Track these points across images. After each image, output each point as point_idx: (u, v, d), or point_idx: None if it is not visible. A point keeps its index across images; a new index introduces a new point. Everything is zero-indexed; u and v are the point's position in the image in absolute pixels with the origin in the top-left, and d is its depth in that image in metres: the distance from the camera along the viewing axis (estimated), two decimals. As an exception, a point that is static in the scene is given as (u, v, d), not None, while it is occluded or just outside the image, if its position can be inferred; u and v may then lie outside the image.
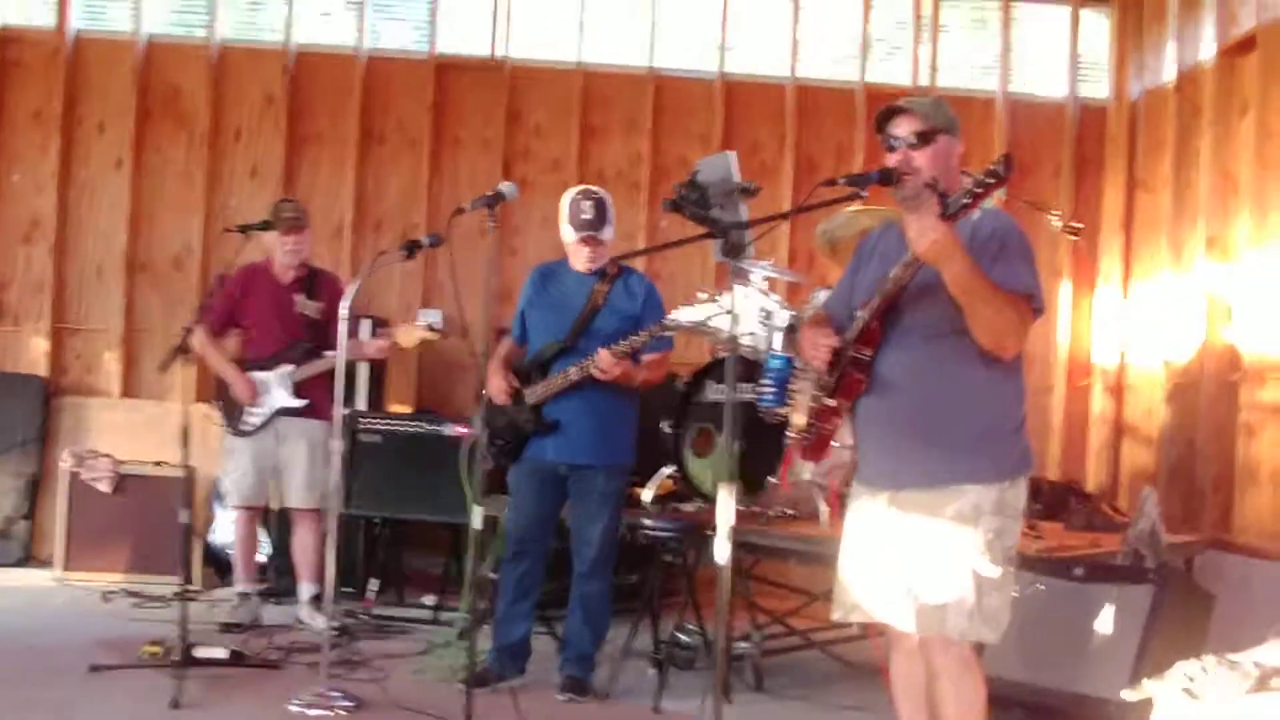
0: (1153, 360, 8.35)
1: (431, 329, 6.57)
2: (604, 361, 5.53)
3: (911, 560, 3.93)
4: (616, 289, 5.81)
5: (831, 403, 4.06)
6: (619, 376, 5.57)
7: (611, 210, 5.86)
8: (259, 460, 6.90)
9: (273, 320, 6.94)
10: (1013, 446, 3.96)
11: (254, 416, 6.86)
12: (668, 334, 5.82)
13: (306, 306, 6.90)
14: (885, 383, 3.96)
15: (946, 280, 3.66)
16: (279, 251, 6.92)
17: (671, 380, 6.81)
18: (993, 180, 3.51)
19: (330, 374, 6.67)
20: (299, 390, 6.84)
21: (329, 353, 6.64)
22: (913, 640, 4.06)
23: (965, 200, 3.55)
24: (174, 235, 9.21)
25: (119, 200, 9.14)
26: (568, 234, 5.87)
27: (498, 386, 5.81)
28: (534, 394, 5.80)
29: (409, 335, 6.58)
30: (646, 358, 5.77)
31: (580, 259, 5.88)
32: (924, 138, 3.91)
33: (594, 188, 5.97)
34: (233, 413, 6.90)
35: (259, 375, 6.86)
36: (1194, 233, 7.95)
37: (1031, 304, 3.81)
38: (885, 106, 4.05)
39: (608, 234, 5.82)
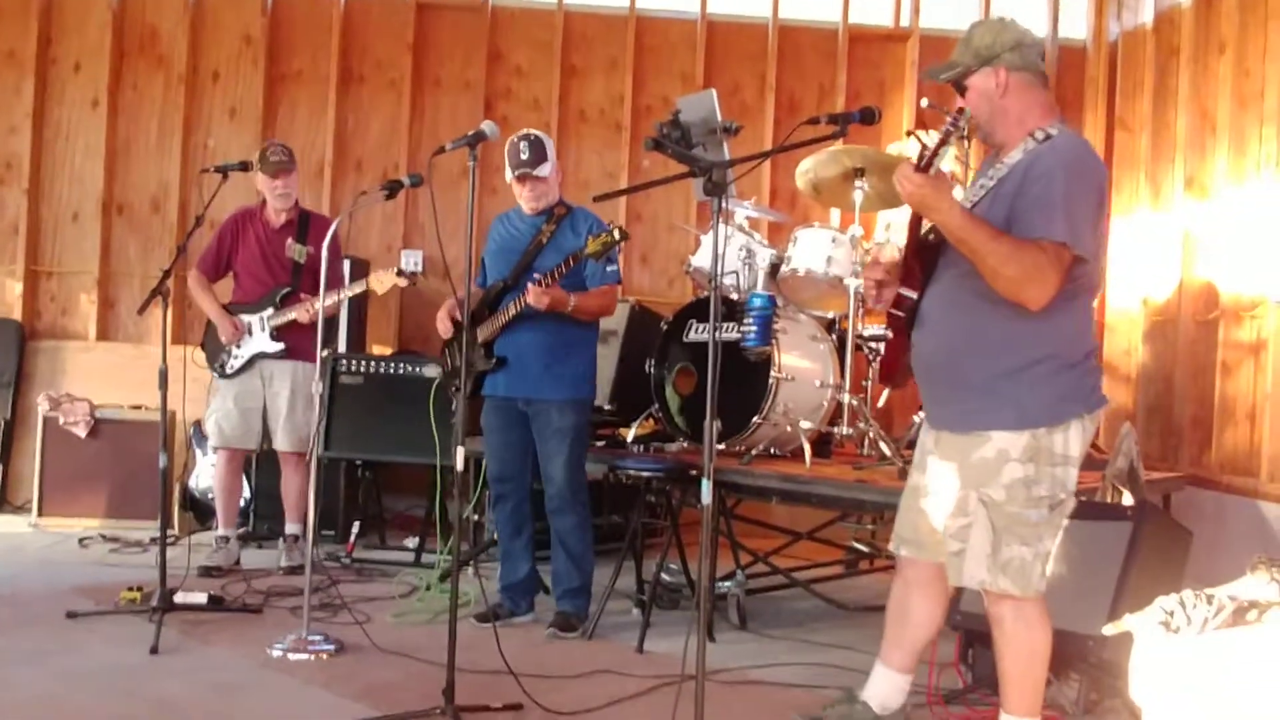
0: (1131, 299, 8.38)
1: (402, 274, 6.53)
2: (531, 293, 5.58)
3: (937, 504, 3.95)
4: (562, 228, 5.85)
5: (888, 334, 4.11)
6: (550, 305, 5.60)
7: (550, 149, 5.88)
8: (242, 401, 6.92)
9: (260, 265, 6.97)
10: (1046, 390, 3.81)
11: (235, 359, 6.88)
12: (614, 266, 5.85)
13: (295, 250, 6.88)
14: (924, 319, 3.97)
15: (941, 230, 3.68)
16: (269, 195, 6.93)
17: (654, 320, 6.81)
18: (949, 131, 3.55)
19: (315, 319, 6.71)
20: (278, 334, 6.84)
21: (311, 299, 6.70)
22: (914, 571, 4.15)
23: (928, 153, 3.60)
24: (151, 176, 9.16)
25: (95, 141, 9.09)
26: (508, 175, 5.90)
27: (441, 323, 5.98)
28: (482, 331, 5.87)
29: (381, 282, 6.54)
30: (591, 289, 5.82)
31: (523, 199, 5.93)
32: (959, 89, 3.96)
33: (531, 130, 5.95)
34: (216, 355, 6.93)
35: (243, 318, 6.89)
36: (1172, 172, 7.96)
37: (1065, 250, 3.67)
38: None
39: (544, 171, 5.82)
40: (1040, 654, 3.91)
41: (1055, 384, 3.81)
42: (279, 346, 6.86)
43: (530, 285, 5.61)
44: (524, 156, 5.79)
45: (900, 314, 4.01)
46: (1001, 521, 3.78)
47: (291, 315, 6.79)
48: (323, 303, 5.54)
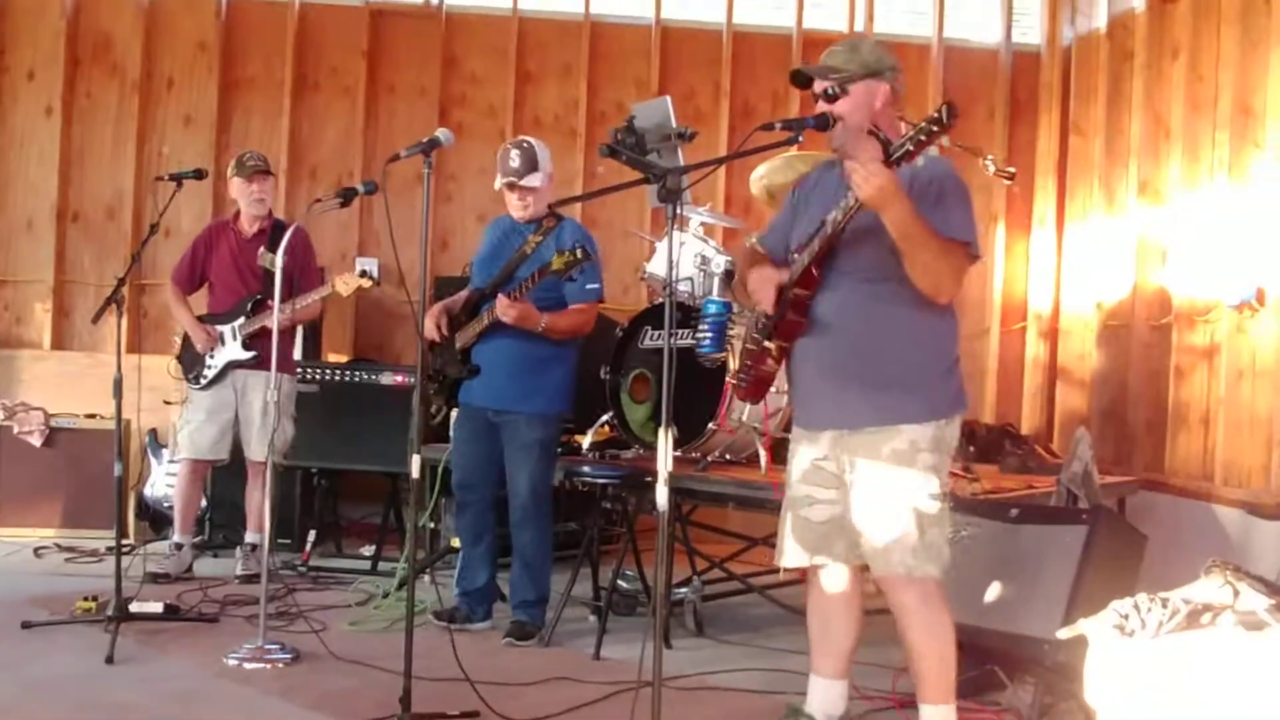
0: (1086, 304, 8.43)
1: (366, 275, 6.54)
2: (499, 305, 5.58)
3: (853, 502, 4.00)
4: (548, 240, 5.80)
5: (770, 345, 4.12)
6: (518, 319, 5.58)
7: (543, 158, 5.85)
8: (216, 413, 6.91)
9: (233, 275, 6.97)
10: (946, 386, 4.05)
11: (209, 369, 6.86)
12: (594, 285, 5.83)
13: (267, 259, 6.85)
14: (821, 324, 4.03)
15: (888, 225, 3.71)
16: (244, 201, 6.95)
17: (609, 326, 6.81)
18: (935, 128, 3.56)
19: (288, 327, 6.72)
20: (250, 342, 6.81)
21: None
22: (826, 578, 4.25)
23: (909, 147, 3.61)
24: (106, 184, 9.10)
25: (49, 149, 9.01)
26: (498, 182, 5.89)
27: (429, 326, 5.92)
28: (459, 338, 5.86)
29: (346, 284, 6.56)
30: (571, 305, 5.79)
31: (512, 208, 5.92)
32: (841, 89, 4.00)
33: (526, 138, 5.96)
34: (191, 366, 6.93)
35: (217, 328, 6.89)
36: (1126, 177, 8.01)
37: (969, 251, 3.88)
38: (793, 72, 4.19)
39: (533, 181, 5.80)
40: (951, 635, 4.03)
41: (950, 380, 4.08)
42: (250, 354, 6.82)
43: (500, 297, 5.60)
44: (513, 165, 5.78)
45: (802, 320, 4.05)
46: (921, 508, 3.93)
47: (262, 322, 6.74)
48: (277, 312, 5.51)
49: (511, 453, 5.82)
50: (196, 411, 6.94)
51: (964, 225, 3.88)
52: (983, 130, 9.16)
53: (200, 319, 6.95)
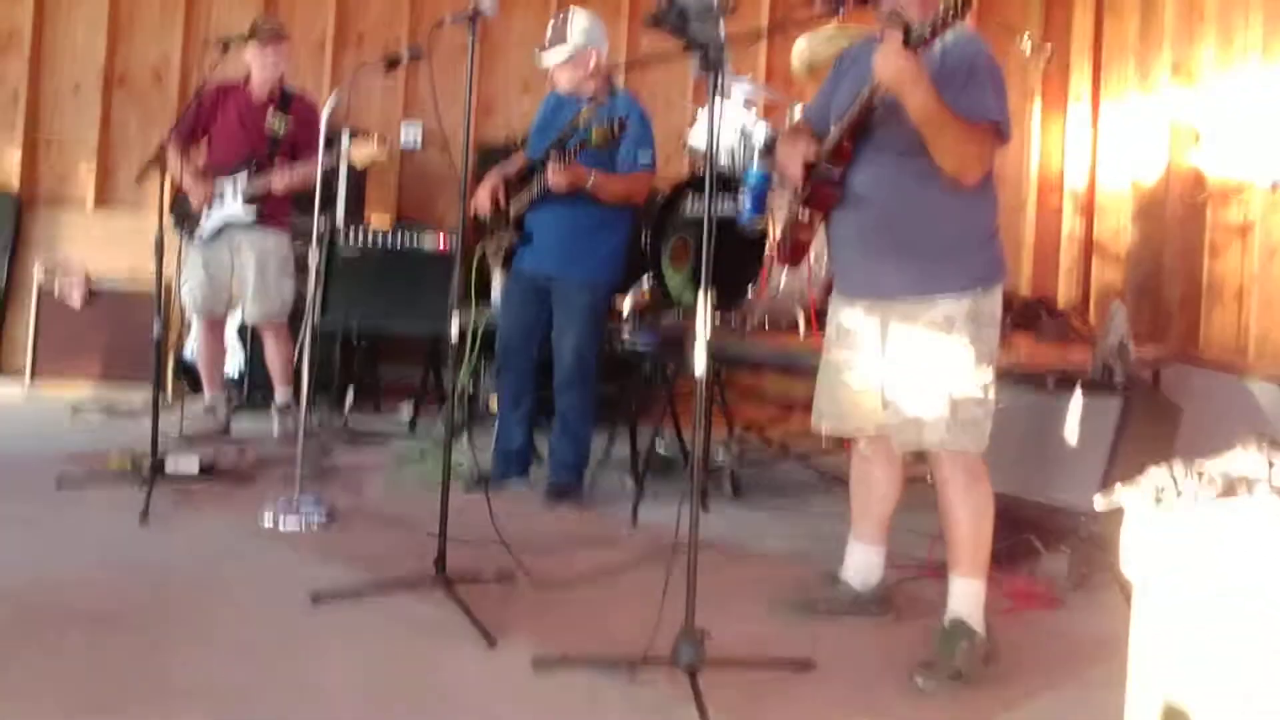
0: (1121, 181, 8.37)
1: (384, 140, 6.41)
2: (549, 173, 5.60)
3: (887, 373, 4.03)
4: (600, 115, 5.73)
5: (805, 215, 4.13)
6: (568, 183, 5.59)
7: (576, 29, 5.78)
8: (212, 269, 6.91)
9: (238, 134, 6.88)
10: (981, 257, 4.00)
11: (207, 222, 6.85)
12: (647, 157, 5.82)
13: (275, 121, 6.83)
14: (857, 197, 4.02)
15: (908, 109, 3.68)
16: (256, 66, 6.86)
17: (651, 194, 6.81)
18: (952, 15, 3.52)
19: (288, 192, 6.74)
20: (251, 201, 6.79)
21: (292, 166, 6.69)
22: (870, 444, 4.29)
23: (925, 33, 3.57)
24: (153, 48, 9.07)
25: (97, 12, 8.98)
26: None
27: (480, 195, 5.99)
28: (513, 205, 5.89)
29: (361, 151, 6.32)
30: (621, 172, 5.78)
31: (555, 80, 5.90)
32: None
33: (568, 8, 5.90)
34: (186, 220, 6.90)
35: (216, 180, 6.84)
36: (1160, 57, 7.92)
37: (998, 130, 3.82)
38: None
39: (553, 57, 5.78)
40: (990, 509, 4.02)
41: (986, 251, 4.02)
42: (251, 211, 6.80)
43: (549, 165, 5.60)
44: (547, 36, 5.76)
45: (836, 191, 4.05)
46: (956, 382, 3.90)
47: (267, 182, 6.72)
48: (320, 177, 5.47)
49: (560, 317, 5.87)
50: (194, 269, 6.94)
51: (992, 106, 3.79)
52: (1019, 12, 9.01)
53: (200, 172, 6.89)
